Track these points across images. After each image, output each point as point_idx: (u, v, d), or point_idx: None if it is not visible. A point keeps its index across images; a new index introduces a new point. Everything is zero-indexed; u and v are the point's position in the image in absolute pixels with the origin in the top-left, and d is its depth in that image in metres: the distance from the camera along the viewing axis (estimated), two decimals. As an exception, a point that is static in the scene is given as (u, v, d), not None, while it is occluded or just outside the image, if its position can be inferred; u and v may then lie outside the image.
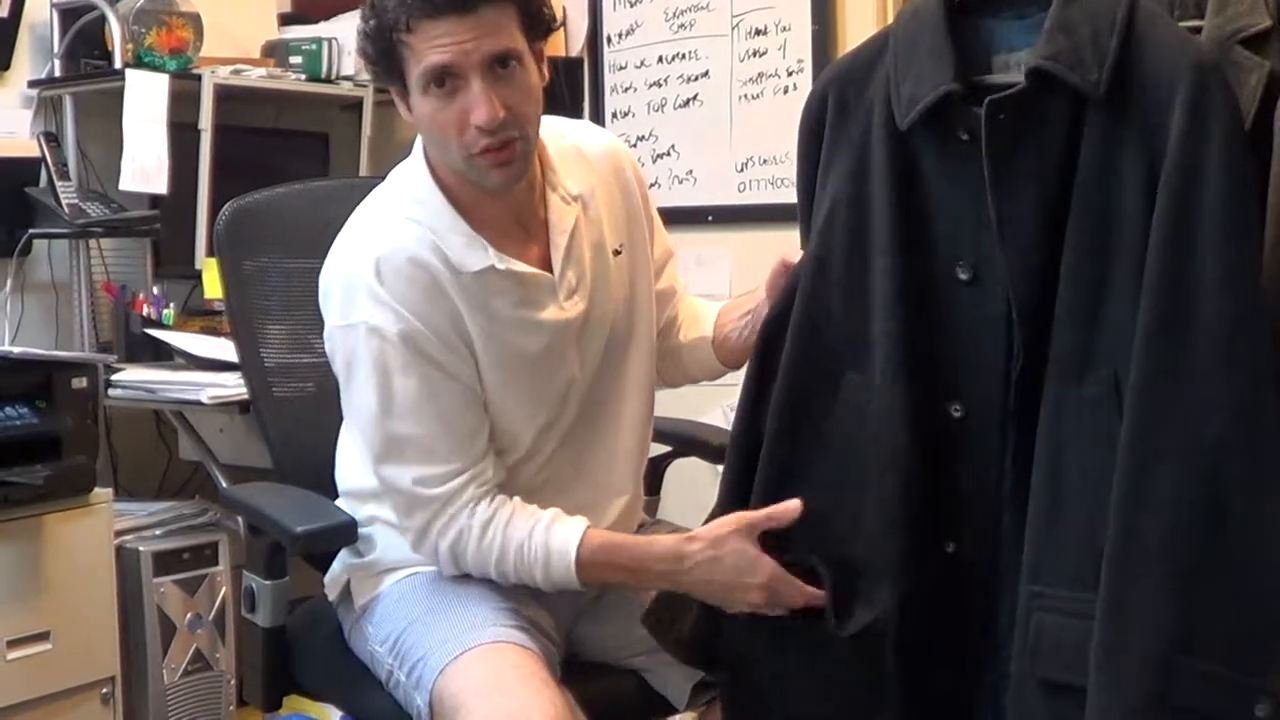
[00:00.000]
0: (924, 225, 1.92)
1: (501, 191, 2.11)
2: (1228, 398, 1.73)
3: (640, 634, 2.23)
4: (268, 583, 2.26)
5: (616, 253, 2.27)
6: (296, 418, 2.30)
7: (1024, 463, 1.88)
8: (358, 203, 2.20)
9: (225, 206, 2.50)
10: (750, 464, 2.06)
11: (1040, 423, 1.85)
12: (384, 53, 2.04)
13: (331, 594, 2.33)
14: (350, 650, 2.27)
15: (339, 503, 2.28)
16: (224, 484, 3.36)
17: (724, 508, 2.08)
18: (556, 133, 2.24)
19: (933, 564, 1.93)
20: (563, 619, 2.26)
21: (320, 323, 2.16)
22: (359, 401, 2.12)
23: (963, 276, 1.91)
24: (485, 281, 2.12)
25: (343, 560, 2.32)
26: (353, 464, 2.27)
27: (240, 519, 2.48)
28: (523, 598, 2.18)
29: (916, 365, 1.92)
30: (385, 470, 2.13)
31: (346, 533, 2.19)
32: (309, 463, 2.26)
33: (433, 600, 2.15)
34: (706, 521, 2.12)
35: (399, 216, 2.14)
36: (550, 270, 2.18)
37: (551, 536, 2.10)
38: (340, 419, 2.27)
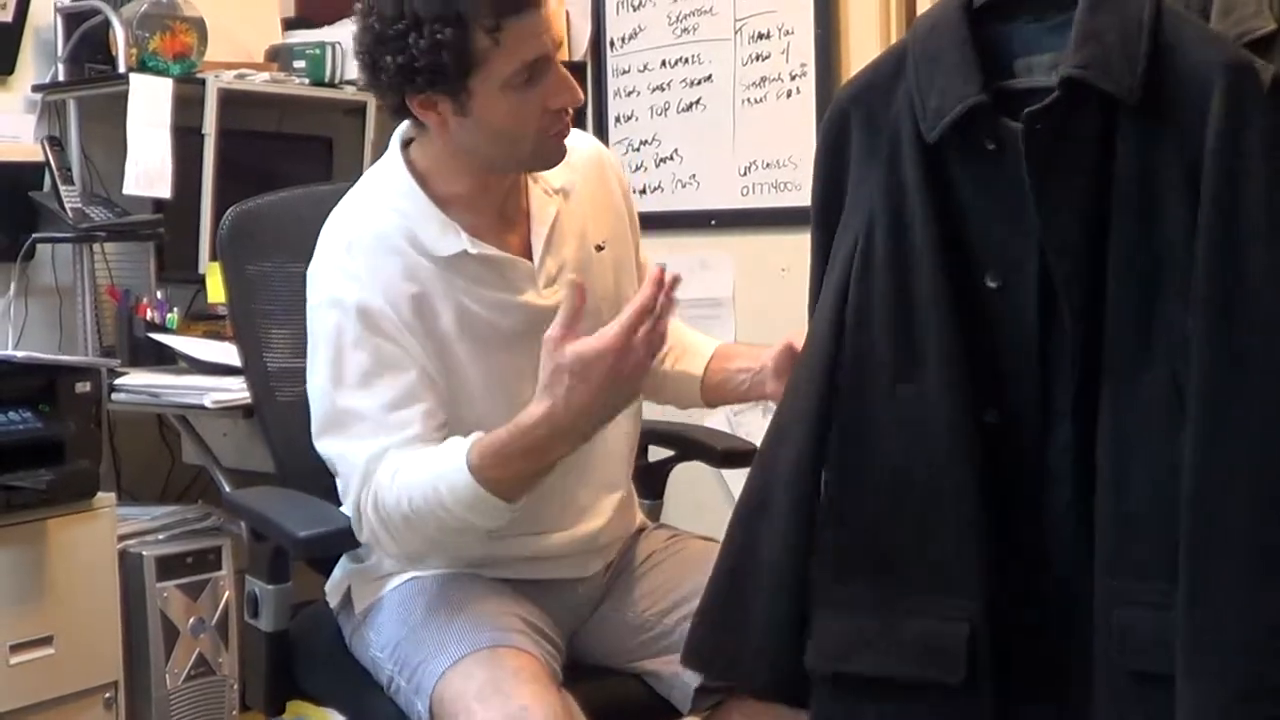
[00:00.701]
0: (957, 234, 1.92)
1: (556, 165, 2.19)
2: None
3: (643, 638, 2.23)
4: (271, 587, 2.26)
5: (599, 248, 2.29)
6: (299, 422, 2.29)
7: (1079, 462, 1.88)
8: (361, 207, 2.22)
9: (228, 211, 2.50)
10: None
11: (1101, 424, 1.85)
12: (459, 59, 2.01)
13: (333, 600, 2.33)
14: (352, 655, 2.27)
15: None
16: (227, 488, 3.36)
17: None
18: None
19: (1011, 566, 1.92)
20: (564, 622, 2.26)
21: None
22: (314, 374, 2.14)
23: (991, 284, 1.90)
24: (458, 266, 2.14)
25: (343, 566, 2.32)
26: None
27: (243, 523, 2.48)
28: (522, 601, 2.19)
29: (966, 373, 1.91)
30: (326, 443, 2.14)
31: (349, 537, 2.18)
32: (312, 467, 2.25)
33: (433, 605, 2.15)
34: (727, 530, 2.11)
35: (376, 205, 2.18)
36: (531, 259, 2.20)
37: (442, 457, 2.04)
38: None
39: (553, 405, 1.96)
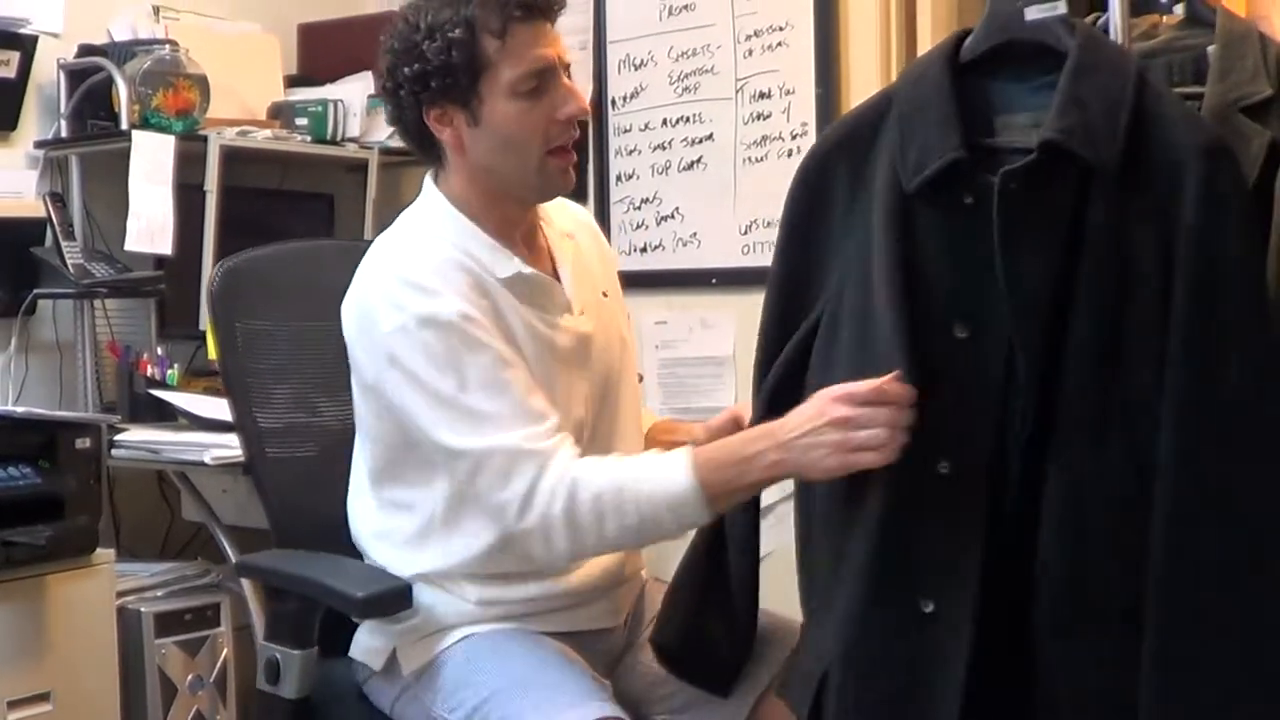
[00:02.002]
0: (926, 284, 1.91)
1: (563, 193, 2.24)
2: (1267, 475, 1.80)
3: (667, 689, 2.26)
4: (296, 652, 2.20)
5: (604, 295, 2.35)
6: (291, 479, 2.28)
7: (1025, 521, 1.87)
8: (349, 262, 2.22)
9: (216, 267, 2.50)
10: None
11: (1048, 487, 1.85)
12: (468, 61, 2.11)
13: (374, 663, 2.25)
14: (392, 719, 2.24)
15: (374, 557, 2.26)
16: (227, 546, 3.37)
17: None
18: None
19: (907, 624, 1.90)
20: (601, 669, 2.25)
21: (321, 383, 2.16)
22: (427, 393, 2.09)
23: (960, 334, 1.90)
24: (515, 285, 2.18)
25: (378, 630, 2.25)
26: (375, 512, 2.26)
27: (246, 582, 2.44)
28: (580, 656, 2.19)
29: (914, 421, 1.90)
30: (467, 440, 2.08)
31: (406, 595, 2.15)
32: (308, 525, 2.24)
33: (510, 666, 2.14)
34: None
35: (424, 236, 2.20)
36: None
37: (661, 454, 2.08)
38: (343, 479, 2.28)
39: (777, 426, 1.97)
